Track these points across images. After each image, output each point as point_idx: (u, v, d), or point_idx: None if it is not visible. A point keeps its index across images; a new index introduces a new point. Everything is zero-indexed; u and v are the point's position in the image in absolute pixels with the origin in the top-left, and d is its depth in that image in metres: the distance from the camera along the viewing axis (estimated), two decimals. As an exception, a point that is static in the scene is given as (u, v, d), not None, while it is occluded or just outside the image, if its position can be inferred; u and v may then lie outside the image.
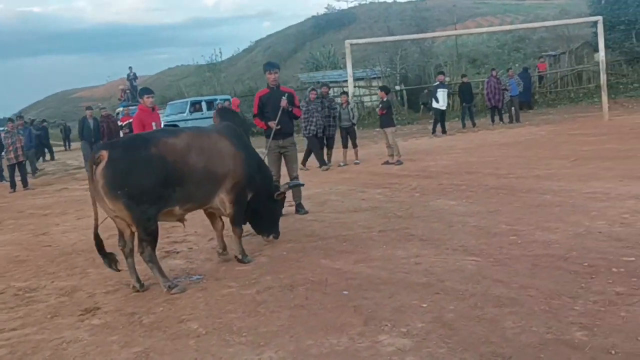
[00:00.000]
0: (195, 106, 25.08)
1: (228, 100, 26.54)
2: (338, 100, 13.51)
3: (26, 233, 7.87)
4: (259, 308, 4.07)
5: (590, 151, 10.24)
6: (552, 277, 4.16)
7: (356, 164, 11.97)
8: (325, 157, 12.05)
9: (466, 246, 5.10)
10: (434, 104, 16.94)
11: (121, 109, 24.34)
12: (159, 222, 4.89)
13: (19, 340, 3.86)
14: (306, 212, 7.13)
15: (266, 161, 6.56)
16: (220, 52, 61.87)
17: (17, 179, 13.65)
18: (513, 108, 18.50)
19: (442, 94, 16.72)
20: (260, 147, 7.14)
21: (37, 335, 3.94)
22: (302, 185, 6.89)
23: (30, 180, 15.23)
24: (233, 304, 4.21)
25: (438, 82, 17.20)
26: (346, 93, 13.60)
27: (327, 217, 6.78)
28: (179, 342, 3.61)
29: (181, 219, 5.08)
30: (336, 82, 26.85)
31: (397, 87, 26.89)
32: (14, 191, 13.39)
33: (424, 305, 3.84)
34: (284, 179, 7.12)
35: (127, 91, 29.69)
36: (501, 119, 18.31)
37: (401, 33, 29.13)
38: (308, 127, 11.77)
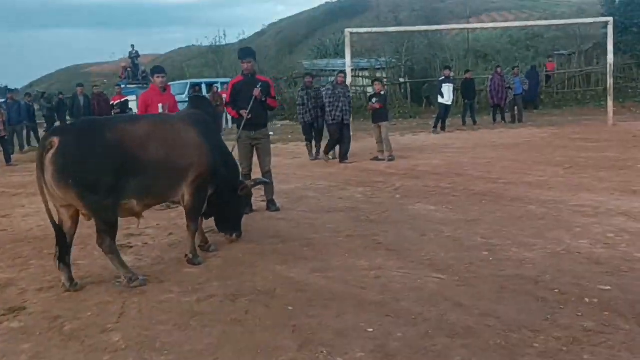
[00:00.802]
0: (195, 88, 24.64)
1: (227, 83, 26.27)
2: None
3: (-15, 214, 7.52)
4: (192, 320, 3.70)
5: (588, 158, 9.79)
6: (517, 303, 3.77)
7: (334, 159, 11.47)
8: (314, 150, 11.66)
9: (434, 260, 4.72)
10: (439, 99, 16.43)
11: (122, 86, 24.04)
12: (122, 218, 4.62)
13: None
14: (277, 210, 6.75)
15: (235, 153, 6.18)
16: (225, 34, 61.34)
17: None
18: (516, 107, 17.98)
19: (447, 88, 16.22)
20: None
21: (-54, 337, 3.60)
22: (268, 183, 6.49)
23: (17, 155, 14.96)
24: (167, 313, 3.85)
25: (443, 77, 16.67)
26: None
27: (297, 217, 6.40)
28: (92, 357, 3.25)
29: (138, 215, 4.69)
30: (341, 70, 26.33)
31: (401, 80, 26.39)
32: (-4, 166, 13.10)
33: (371, 329, 3.46)
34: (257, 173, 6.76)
35: (129, 69, 29.27)
36: (503, 118, 17.83)
37: (410, 24, 28.60)
38: (333, 113, 10.83)
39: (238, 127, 6.75)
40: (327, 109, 10.94)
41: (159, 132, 4.58)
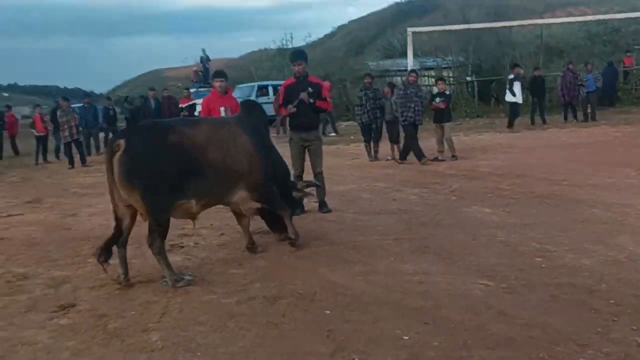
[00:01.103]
0: (262, 90, 25.00)
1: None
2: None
3: (57, 213, 7.90)
4: (230, 322, 3.72)
5: (664, 159, 9.17)
6: (567, 314, 3.56)
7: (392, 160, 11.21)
8: (372, 151, 11.52)
9: (482, 265, 4.54)
10: (509, 97, 15.80)
11: (193, 90, 24.75)
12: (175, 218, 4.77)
13: (-22, 336, 3.70)
14: (329, 211, 6.71)
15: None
16: (292, 37, 61.75)
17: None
18: (589, 105, 17.11)
19: (518, 86, 15.59)
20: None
21: (0, 331, 3.78)
22: (319, 186, 6.42)
23: (94, 157, 15.66)
24: (207, 314, 3.89)
25: (514, 75, 15.98)
26: (392, 84, 12.52)
27: (347, 219, 6.34)
28: (130, 356, 3.33)
29: (194, 216, 4.81)
30: (412, 70, 25.91)
31: (468, 78, 25.75)
32: (72, 167, 13.76)
33: (407, 337, 3.36)
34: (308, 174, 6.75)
35: (200, 73, 30.07)
36: (575, 117, 17.01)
37: (479, 22, 27.82)
38: (405, 114, 10.46)
39: (290, 130, 6.76)
40: (399, 110, 10.66)
41: (217, 136, 4.70)
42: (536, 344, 3.18)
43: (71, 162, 13.95)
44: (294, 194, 5.46)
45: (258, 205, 4.95)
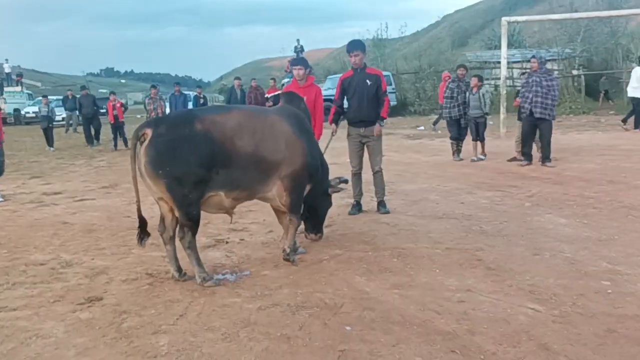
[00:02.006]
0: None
1: (389, 76, 25.93)
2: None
3: (124, 199, 8.05)
4: (243, 331, 3.50)
5: None
6: (624, 355, 3.02)
7: (479, 159, 10.38)
8: (457, 150, 10.81)
9: (536, 286, 4.01)
10: (631, 92, 14.36)
11: (287, 80, 24.94)
12: (210, 213, 4.66)
13: (1, 325, 3.72)
14: (387, 212, 6.33)
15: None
16: (387, 27, 60.66)
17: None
18: None
19: None
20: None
21: (23, 321, 3.78)
22: (347, 181, 5.64)
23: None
24: (223, 319, 3.69)
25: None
26: (478, 76, 11.21)
27: (402, 222, 5.93)
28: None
29: (229, 211, 4.61)
30: (532, 56, 24.42)
31: (574, 72, 24.01)
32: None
33: (425, 366, 2.98)
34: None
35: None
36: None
37: (589, 10, 25.80)
38: (523, 105, 9.55)
39: (348, 124, 6.43)
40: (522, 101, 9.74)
41: (250, 124, 4.44)
42: (575, 390, 2.69)
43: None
44: (331, 191, 5.20)
45: (288, 196, 4.65)
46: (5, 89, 34.11)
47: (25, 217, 7.10)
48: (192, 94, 19.52)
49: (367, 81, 6.14)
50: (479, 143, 10.50)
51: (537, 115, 9.36)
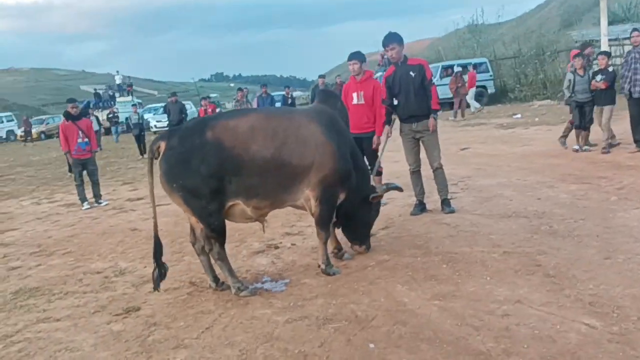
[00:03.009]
0: (447, 70, 23.81)
1: (485, 63, 24.75)
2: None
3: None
4: (260, 347, 3.33)
5: None
6: (686, 386, 2.50)
7: (585, 150, 9.19)
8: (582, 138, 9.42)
9: (598, 297, 3.50)
10: None
11: (380, 73, 24.60)
12: (240, 223, 4.53)
13: (38, 337, 3.82)
14: (452, 211, 5.88)
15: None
16: (482, 12, 57.73)
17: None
18: None
19: None
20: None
21: (60, 333, 3.87)
22: (402, 190, 5.23)
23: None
24: (247, 333, 3.55)
25: None
26: (607, 52, 9.66)
27: (464, 222, 5.47)
28: (142, 378, 3.13)
29: (259, 220, 4.40)
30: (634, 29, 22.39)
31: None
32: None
33: (443, 394, 2.64)
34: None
35: (385, 57, 29.80)
36: None
37: None
38: (623, 85, 8.71)
39: (400, 121, 6.05)
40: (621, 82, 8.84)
41: (270, 127, 4.17)
42: None
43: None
44: (372, 197, 4.74)
45: (318, 207, 4.34)
46: (118, 99, 36.44)
47: (102, 224, 7.40)
48: (280, 94, 19.70)
49: (411, 73, 5.70)
50: (583, 131, 9.44)
51: (636, 96, 8.40)
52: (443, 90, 18.77)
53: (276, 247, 5.40)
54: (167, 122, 17.22)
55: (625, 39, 22.54)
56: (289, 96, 18.44)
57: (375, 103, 6.29)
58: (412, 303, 3.73)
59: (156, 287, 4.16)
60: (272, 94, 18.46)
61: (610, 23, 28.65)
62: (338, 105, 4.81)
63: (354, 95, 6.49)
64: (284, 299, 4.04)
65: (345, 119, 4.90)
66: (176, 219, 7.18)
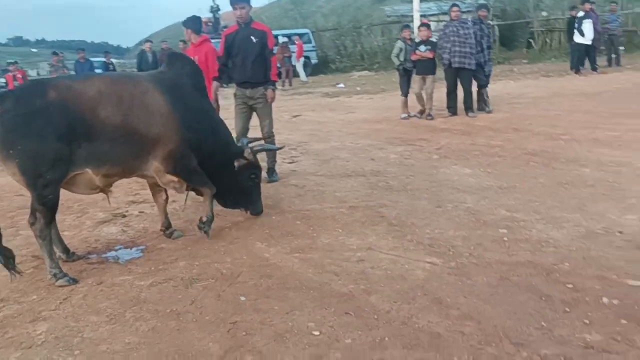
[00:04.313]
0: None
1: (308, 34, 25.51)
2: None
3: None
4: (129, 311, 3.28)
5: (680, 108, 8.35)
6: (512, 303, 3.03)
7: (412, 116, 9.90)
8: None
9: (436, 240, 4.00)
10: (577, 38, 14.69)
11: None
12: (85, 195, 4.27)
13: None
14: (275, 180, 5.98)
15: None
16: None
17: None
18: (612, 48, 15.95)
19: (588, 25, 14.43)
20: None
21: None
22: (276, 149, 5.54)
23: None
24: (110, 299, 3.46)
25: (583, 13, 14.71)
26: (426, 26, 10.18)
27: (310, 183, 5.80)
28: (4, 353, 2.93)
29: (104, 190, 4.12)
30: (453, 4, 24.54)
31: (490, 22, 24.38)
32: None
33: (317, 332, 2.88)
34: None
35: (210, 24, 29.23)
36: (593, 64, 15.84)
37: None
38: (442, 55, 9.48)
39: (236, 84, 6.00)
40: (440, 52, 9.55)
41: (116, 92, 3.94)
42: (464, 343, 2.67)
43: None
44: (237, 163, 4.56)
45: (175, 178, 4.21)
46: None
47: None
48: (99, 60, 18.48)
49: (252, 38, 5.72)
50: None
51: (456, 65, 9.36)
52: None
53: (123, 216, 5.23)
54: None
55: (431, 15, 24.87)
56: (110, 62, 17.41)
57: (209, 68, 6.03)
58: (274, 258, 3.92)
59: (15, 273, 3.69)
60: (91, 59, 17.25)
61: (411, 1, 31.23)
62: (187, 70, 4.49)
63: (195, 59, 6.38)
64: (143, 265, 3.98)
65: (198, 81, 4.61)
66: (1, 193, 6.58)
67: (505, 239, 3.91)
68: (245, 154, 4.65)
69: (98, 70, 17.37)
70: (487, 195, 4.89)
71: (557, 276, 3.28)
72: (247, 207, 4.76)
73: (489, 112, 9.56)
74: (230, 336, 2.92)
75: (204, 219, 4.42)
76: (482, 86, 9.80)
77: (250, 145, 4.80)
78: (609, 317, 2.79)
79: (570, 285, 3.15)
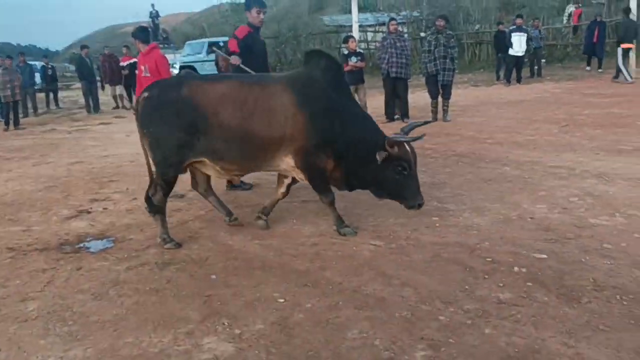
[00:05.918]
0: (213, 47, 24.40)
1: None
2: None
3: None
4: (112, 290, 3.71)
5: (589, 116, 9.38)
6: (442, 273, 3.65)
7: None
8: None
9: (379, 227, 4.61)
10: (511, 51, 15.71)
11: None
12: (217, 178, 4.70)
13: None
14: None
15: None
16: (243, -9, 59.49)
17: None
18: (535, 61, 17.27)
19: (517, 38, 15.58)
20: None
21: None
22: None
23: (29, 119, 15.28)
24: (92, 281, 3.86)
25: (514, 26, 15.89)
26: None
27: (264, 181, 6.31)
28: (2, 326, 3.29)
29: (233, 179, 5.06)
30: (391, 18, 25.56)
31: (422, 34, 25.62)
32: (7, 129, 13.33)
33: (282, 300, 3.40)
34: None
35: (149, 29, 29.15)
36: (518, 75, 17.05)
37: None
38: (380, 65, 10.26)
39: None
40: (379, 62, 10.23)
41: (241, 96, 4.22)
42: (403, 304, 3.26)
43: (7, 122, 13.50)
44: (378, 156, 4.22)
45: (304, 174, 4.39)
46: None
47: None
48: (38, 64, 18.28)
49: (264, 42, 6.24)
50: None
51: (393, 75, 10.10)
52: (211, 66, 19.42)
53: (88, 212, 5.57)
54: None
55: (369, 25, 25.86)
56: (49, 66, 17.29)
57: (161, 74, 6.34)
58: (238, 244, 4.42)
59: None
60: (31, 63, 17.06)
61: (349, 12, 32.27)
62: (322, 65, 4.42)
63: (142, 67, 6.78)
64: (117, 253, 4.39)
65: (334, 75, 4.44)
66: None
67: (437, 224, 4.56)
68: (386, 146, 4.29)
69: (37, 74, 17.23)
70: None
71: (479, 252, 3.94)
72: (401, 201, 4.47)
73: (448, 121, 10.09)
74: (207, 306, 3.40)
75: (335, 227, 4.53)
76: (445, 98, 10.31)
77: (392, 135, 4.46)
78: (518, 281, 3.46)
79: (489, 259, 3.81)
